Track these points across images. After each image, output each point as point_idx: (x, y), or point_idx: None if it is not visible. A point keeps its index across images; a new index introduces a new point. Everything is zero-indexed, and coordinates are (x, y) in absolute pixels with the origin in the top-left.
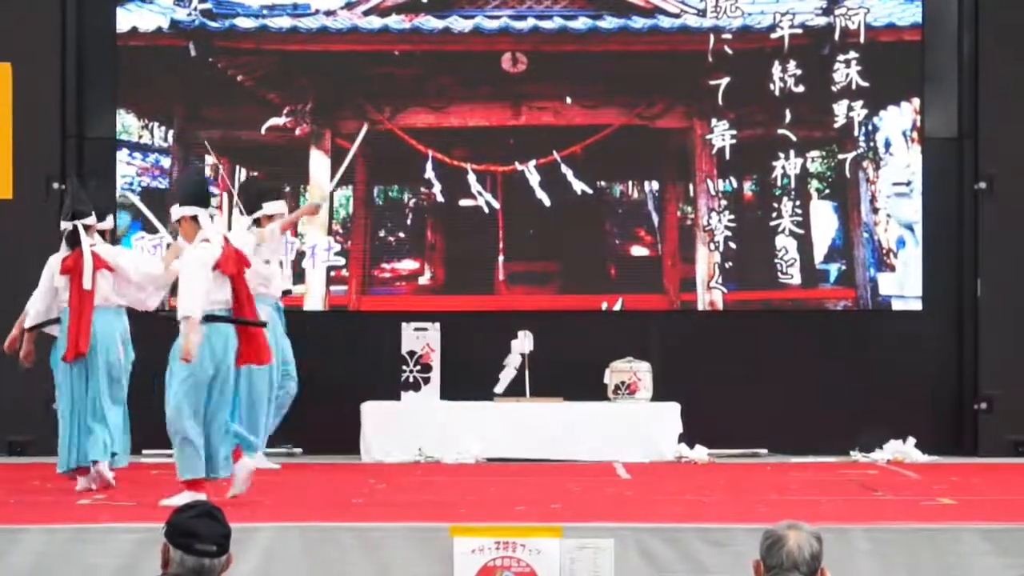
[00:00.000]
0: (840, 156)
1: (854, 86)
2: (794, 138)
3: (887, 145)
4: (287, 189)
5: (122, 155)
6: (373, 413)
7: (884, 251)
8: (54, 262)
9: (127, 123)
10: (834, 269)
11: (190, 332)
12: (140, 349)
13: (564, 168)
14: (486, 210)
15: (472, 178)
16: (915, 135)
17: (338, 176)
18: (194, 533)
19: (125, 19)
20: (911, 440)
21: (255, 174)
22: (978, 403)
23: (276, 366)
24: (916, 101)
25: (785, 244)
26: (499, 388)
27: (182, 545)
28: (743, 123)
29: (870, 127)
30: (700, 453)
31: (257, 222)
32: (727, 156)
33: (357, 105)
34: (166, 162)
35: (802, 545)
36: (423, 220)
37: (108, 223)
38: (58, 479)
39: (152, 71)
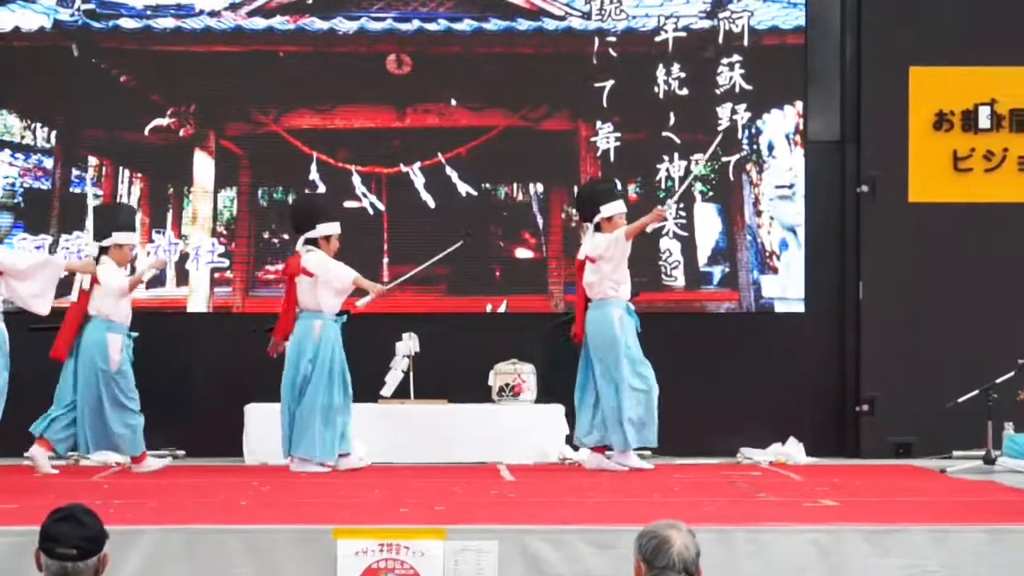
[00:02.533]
0: (724, 159)
1: (738, 89)
2: (678, 141)
3: (770, 148)
4: (168, 190)
5: (4, 156)
6: (257, 415)
7: (767, 254)
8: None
9: (9, 123)
10: (718, 271)
11: None
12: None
13: (449, 170)
14: (371, 212)
15: (357, 180)
16: (798, 138)
17: None
18: (54, 537)
19: (7, 19)
20: (794, 442)
21: (306, 191)
22: (860, 405)
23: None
24: (799, 104)
25: (669, 247)
26: (386, 391)
27: (45, 549)
28: (628, 126)
29: (753, 130)
30: (584, 455)
31: (315, 242)
32: (612, 158)
33: (241, 107)
34: (49, 163)
35: (688, 545)
36: None
37: None
38: None
39: (35, 71)
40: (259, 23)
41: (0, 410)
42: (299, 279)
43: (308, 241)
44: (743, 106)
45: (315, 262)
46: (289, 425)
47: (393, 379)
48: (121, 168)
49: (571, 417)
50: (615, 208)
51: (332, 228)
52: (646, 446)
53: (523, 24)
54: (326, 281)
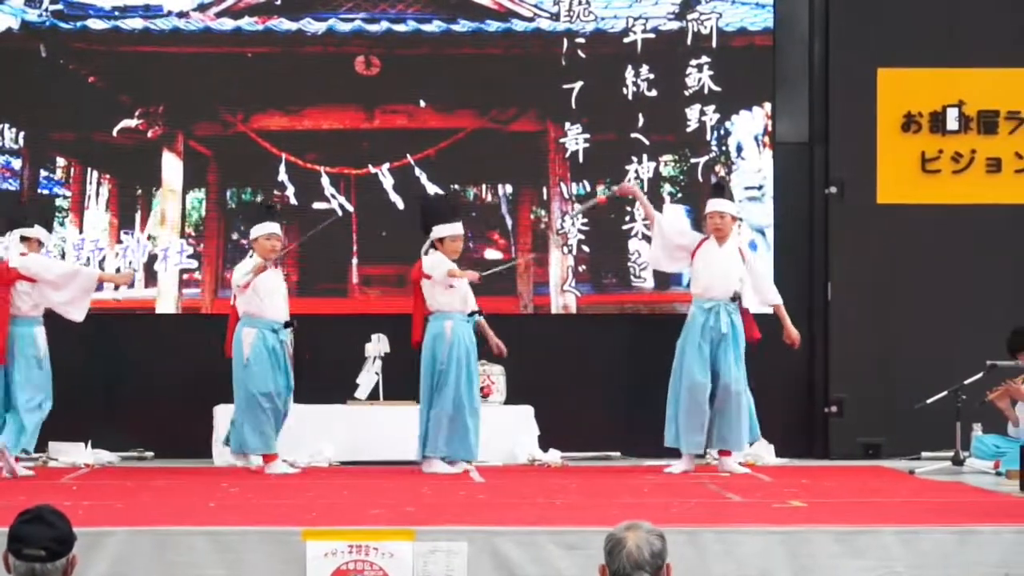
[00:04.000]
0: (692, 160)
1: (706, 90)
2: (647, 142)
3: (739, 150)
4: (136, 191)
5: None
6: (226, 416)
7: None
8: None
9: None
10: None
11: None
12: None
13: (418, 171)
14: (340, 213)
15: (326, 181)
16: (766, 140)
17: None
18: (22, 538)
19: None
20: (763, 443)
21: (439, 192)
22: (829, 406)
23: None
24: (767, 106)
25: (638, 247)
26: (360, 393)
27: (13, 550)
28: (596, 127)
29: (722, 131)
30: (553, 456)
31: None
32: (580, 160)
33: (210, 107)
34: (17, 164)
35: (641, 545)
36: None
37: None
38: None
39: (2, 72)
40: (227, 24)
41: (47, 410)
42: (423, 282)
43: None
44: (711, 107)
45: (429, 264)
46: (426, 426)
47: (367, 381)
48: (89, 169)
49: (540, 418)
50: (446, 231)
51: (444, 230)
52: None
53: (492, 25)
54: (432, 282)
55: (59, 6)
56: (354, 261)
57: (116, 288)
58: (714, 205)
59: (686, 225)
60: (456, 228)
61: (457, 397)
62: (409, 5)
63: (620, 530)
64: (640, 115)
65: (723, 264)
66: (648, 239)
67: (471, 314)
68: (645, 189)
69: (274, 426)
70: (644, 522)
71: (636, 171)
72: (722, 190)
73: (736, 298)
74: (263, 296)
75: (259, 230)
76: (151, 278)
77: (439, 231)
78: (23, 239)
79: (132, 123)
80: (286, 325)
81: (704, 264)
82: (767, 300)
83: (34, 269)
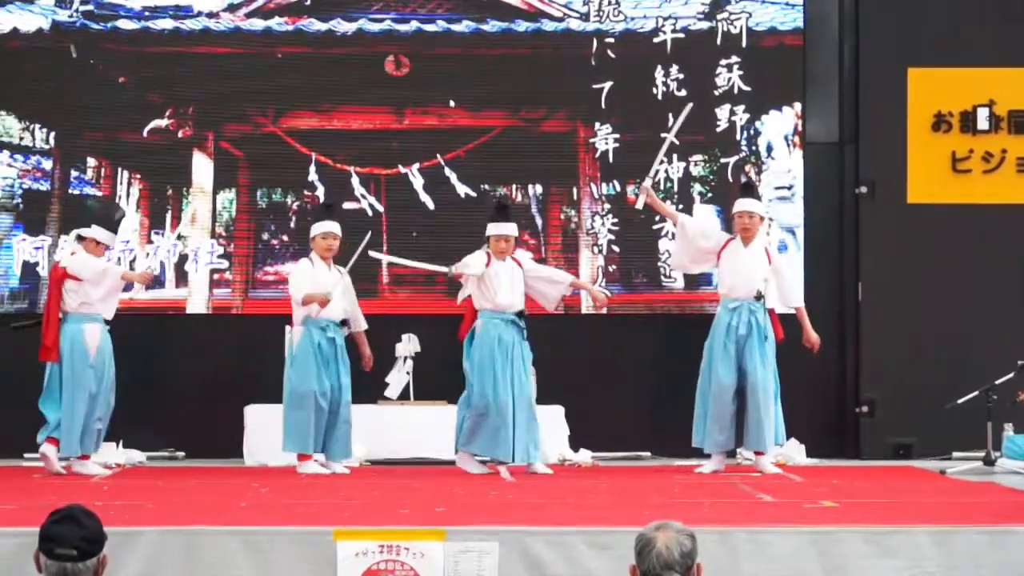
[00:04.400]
0: (723, 160)
1: (736, 90)
2: (677, 142)
3: (769, 149)
4: (167, 192)
5: (3, 157)
6: (256, 416)
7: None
8: None
9: (8, 125)
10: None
11: None
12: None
13: (448, 171)
14: (370, 213)
15: (356, 181)
16: (796, 140)
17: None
18: (54, 538)
19: (5, 20)
20: (794, 443)
21: (503, 192)
22: (859, 406)
23: None
24: (797, 106)
25: (668, 247)
26: (391, 392)
27: (45, 550)
28: (626, 127)
29: (752, 131)
30: (584, 456)
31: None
32: (610, 159)
33: (240, 107)
34: (47, 164)
35: (671, 545)
36: (306, 223)
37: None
38: None
39: (33, 73)
40: (257, 24)
41: (101, 411)
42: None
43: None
44: (741, 107)
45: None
46: (460, 422)
47: (397, 381)
48: (120, 169)
49: (570, 418)
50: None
51: (494, 229)
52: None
53: (521, 25)
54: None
55: (89, 7)
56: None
57: (131, 288)
58: (742, 205)
59: (713, 225)
60: (499, 228)
61: (483, 395)
62: (439, 5)
63: (650, 530)
64: (670, 115)
65: (748, 264)
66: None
67: (518, 314)
68: (675, 189)
69: (315, 425)
70: (674, 522)
71: (666, 171)
72: (751, 190)
73: (760, 297)
74: None
75: (316, 228)
76: (182, 278)
77: (491, 229)
78: (79, 238)
79: (162, 123)
80: (341, 324)
81: (729, 264)
82: (789, 302)
83: (75, 267)
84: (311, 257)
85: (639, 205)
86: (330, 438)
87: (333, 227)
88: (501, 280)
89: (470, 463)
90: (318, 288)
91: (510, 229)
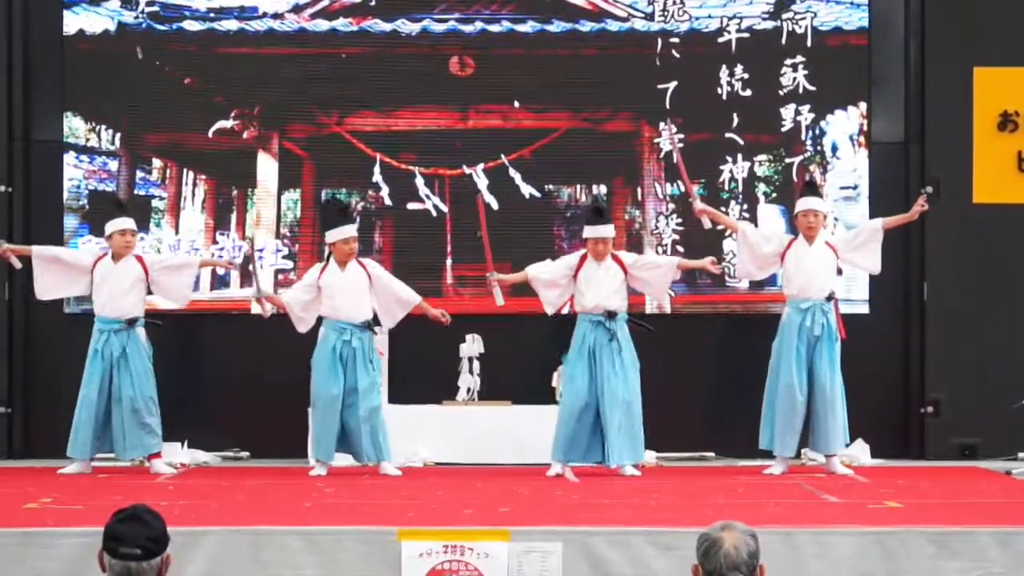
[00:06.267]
0: (787, 160)
1: (801, 90)
2: (741, 142)
3: (834, 149)
4: (232, 192)
5: (69, 158)
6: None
7: None
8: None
9: (74, 126)
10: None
11: None
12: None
13: (512, 171)
14: (434, 213)
15: (420, 181)
16: (862, 139)
17: None
18: (118, 537)
19: (72, 21)
20: (859, 443)
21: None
22: (924, 407)
23: None
24: (863, 105)
25: (733, 247)
26: (461, 396)
27: (109, 549)
28: (691, 127)
29: (817, 131)
30: (648, 456)
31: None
32: (675, 160)
33: (304, 108)
34: (113, 165)
35: (739, 546)
36: (371, 223)
37: None
38: (3, 483)
39: (99, 74)
40: (322, 25)
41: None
42: None
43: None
44: (806, 107)
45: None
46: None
47: (467, 383)
48: (185, 170)
49: None
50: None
51: (589, 232)
52: None
53: (586, 25)
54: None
55: (155, 8)
56: (448, 262)
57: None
58: (806, 203)
59: (774, 227)
60: (595, 230)
61: (564, 399)
62: (503, 5)
63: (715, 530)
64: (735, 115)
65: (816, 263)
66: None
67: (366, 324)
68: (739, 189)
69: (326, 429)
70: (738, 522)
71: (731, 171)
72: (815, 188)
73: (831, 297)
74: (327, 297)
75: (334, 235)
76: (247, 279)
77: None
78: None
79: (227, 124)
80: (365, 326)
81: (796, 265)
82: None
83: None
84: (329, 260)
85: (704, 221)
86: (356, 442)
87: (350, 231)
88: (590, 282)
89: (566, 471)
90: (327, 287)
91: (604, 231)
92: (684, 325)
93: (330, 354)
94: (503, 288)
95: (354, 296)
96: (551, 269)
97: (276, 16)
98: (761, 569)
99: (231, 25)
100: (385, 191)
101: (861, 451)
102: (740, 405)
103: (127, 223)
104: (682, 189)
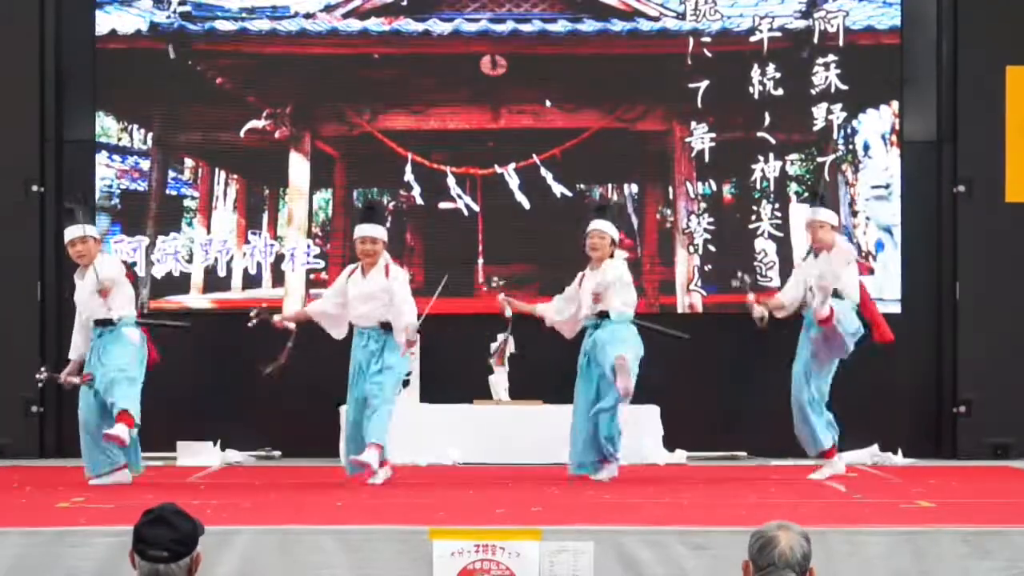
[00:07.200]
0: (819, 159)
1: (833, 89)
2: (773, 141)
3: (866, 148)
4: (263, 192)
5: (101, 158)
6: None
7: (863, 254)
8: None
9: (106, 126)
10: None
11: None
12: None
13: (543, 171)
14: (466, 213)
15: (452, 181)
16: (894, 138)
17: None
18: (145, 539)
19: (104, 21)
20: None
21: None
22: (957, 406)
23: None
24: (895, 104)
25: (764, 247)
26: (495, 394)
27: (138, 551)
28: (722, 126)
29: (849, 130)
30: (679, 456)
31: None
32: (706, 159)
33: (336, 108)
34: (145, 165)
35: (794, 546)
36: (402, 223)
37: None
38: (36, 482)
39: (131, 73)
40: (354, 25)
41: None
42: None
43: None
44: (838, 106)
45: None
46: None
47: (500, 382)
48: (217, 169)
49: (665, 418)
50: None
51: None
52: None
53: (617, 25)
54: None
55: (187, 8)
56: (480, 261)
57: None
58: (815, 215)
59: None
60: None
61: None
62: (535, 5)
63: (771, 528)
64: (766, 114)
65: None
66: (775, 239)
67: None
68: (771, 188)
69: (349, 434)
70: (794, 523)
71: (762, 170)
72: (823, 200)
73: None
74: (350, 306)
75: (355, 233)
76: (278, 278)
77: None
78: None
79: (259, 124)
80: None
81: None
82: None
83: None
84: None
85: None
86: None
87: (371, 231)
88: (585, 288)
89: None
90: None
91: (600, 225)
92: (715, 324)
93: (353, 359)
94: (513, 309)
95: (368, 303)
96: (557, 308)
97: (308, 16)
98: (811, 572)
99: (263, 25)
100: (416, 190)
101: (868, 456)
102: (772, 405)
103: (74, 232)
104: (714, 189)
